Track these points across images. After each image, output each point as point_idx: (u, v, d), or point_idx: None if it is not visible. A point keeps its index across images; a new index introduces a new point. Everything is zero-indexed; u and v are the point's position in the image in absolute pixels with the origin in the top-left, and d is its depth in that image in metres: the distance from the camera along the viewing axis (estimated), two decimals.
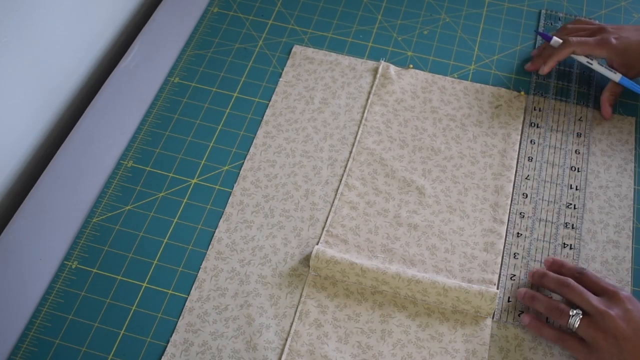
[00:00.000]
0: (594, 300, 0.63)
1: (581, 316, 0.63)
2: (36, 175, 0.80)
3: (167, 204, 0.77)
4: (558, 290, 0.67)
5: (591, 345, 0.62)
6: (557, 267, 0.70)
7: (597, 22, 0.89)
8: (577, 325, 0.63)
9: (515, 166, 0.79)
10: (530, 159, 0.80)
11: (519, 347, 0.66)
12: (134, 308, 0.70)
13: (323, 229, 0.75)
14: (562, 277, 0.67)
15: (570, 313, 0.64)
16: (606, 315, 0.62)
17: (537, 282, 0.70)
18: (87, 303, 0.70)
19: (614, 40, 0.82)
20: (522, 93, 0.85)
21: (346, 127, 0.83)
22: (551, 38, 0.85)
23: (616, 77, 0.82)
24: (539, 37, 0.91)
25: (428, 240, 0.74)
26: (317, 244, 0.73)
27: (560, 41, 0.84)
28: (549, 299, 0.67)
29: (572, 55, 0.84)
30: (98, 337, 0.68)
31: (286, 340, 0.67)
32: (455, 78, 0.88)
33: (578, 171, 0.79)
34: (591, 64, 0.84)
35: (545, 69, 0.85)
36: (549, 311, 0.66)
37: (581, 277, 0.67)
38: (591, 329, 0.62)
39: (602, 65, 0.84)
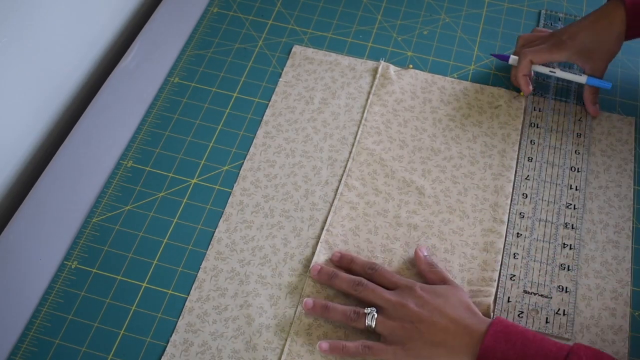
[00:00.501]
0: (387, 294, 0.65)
1: (376, 313, 0.64)
2: (36, 175, 0.81)
3: (167, 204, 0.77)
4: (351, 290, 0.67)
5: (393, 338, 0.63)
6: (347, 262, 0.70)
7: (548, 30, 0.87)
8: (374, 324, 0.64)
9: (515, 166, 0.79)
10: (530, 159, 0.80)
11: None
12: (133, 308, 0.70)
13: (323, 229, 0.75)
14: (354, 277, 0.68)
15: (366, 311, 0.65)
16: (399, 305, 0.64)
17: (326, 283, 0.69)
18: (87, 303, 0.70)
19: (567, 41, 0.79)
20: (522, 93, 0.85)
21: (346, 127, 0.83)
22: (508, 57, 0.85)
23: (582, 79, 0.81)
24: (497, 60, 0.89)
25: (428, 240, 0.74)
26: (317, 243, 0.73)
27: (517, 58, 0.83)
28: (341, 305, 0.67)
29: (533, 68, 0.83)
30: (98, 337, 0.68)
31: (286, 340, 0.67)
32: (455, 78, 0.88)
33: (578, 171, 0.79)
34: (554, 72, 0.83)
35: (525, 90, 0.83)
36: (345, 318, 0.66)
37: (373, 273, 0.68)
38: (389, 322, 0.63)
39: (566, 71, 0.82)
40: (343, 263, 0.70)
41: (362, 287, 0.66)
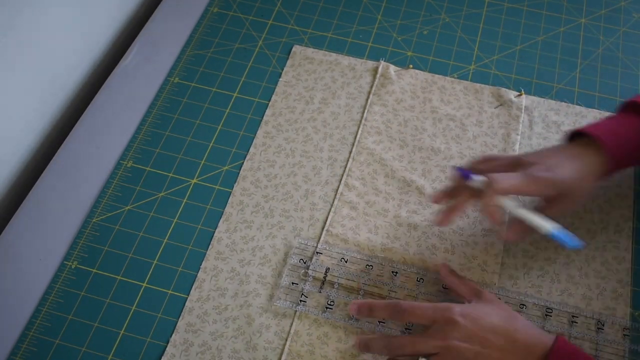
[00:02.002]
0: (430, 340, 0.61)
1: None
2: (36, 175, 0.81)
3: (167, 204, 0.77)
4: (394, 319, 0.66)
5: None
6: (366, 311, 0.66)
7: (508, 155, 0.75)
8: None
9: None
10: None
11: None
12: (133, 308, 0.70)
13: (323, 229, 0.75)
14: (388, 303, 0.65)
15: None
16: (446, 349, 0.61)
17: (370, 316, 0.67)
18: (86, 303, 0.70)
19: (544, 174, 0.64)
20: (522, 93, 0.85)
21: (346, 127, 0.83)
22: (469, 174, 0.67)
23: (548, 227, 0.65)
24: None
25: (428, 240, 0.74)
26: (317, 243, 0.73)
27: (481, 178, 0.66)
28: (383, 302, 0.65)
29: (498, 200, 0.66)
30: (98, 337, 0.68)
31: (286, 340, 0.67)
32: (455, 78, 0.88)
33: None
34: (518, 211, 0.66)
35: (495, 221, 0.66)
36: (389, 314, 0.65)
37: (402, 316, 0.64)
38: None
39: (534, 214, 0.66)
40: (363, 313, 0.67)
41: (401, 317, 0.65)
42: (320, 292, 0.70)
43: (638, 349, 0.66)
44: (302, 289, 0.70)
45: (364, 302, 0.67)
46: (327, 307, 0.69)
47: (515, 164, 0.67)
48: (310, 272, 0.71)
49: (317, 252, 0.72)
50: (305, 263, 0.72)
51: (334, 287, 0.70)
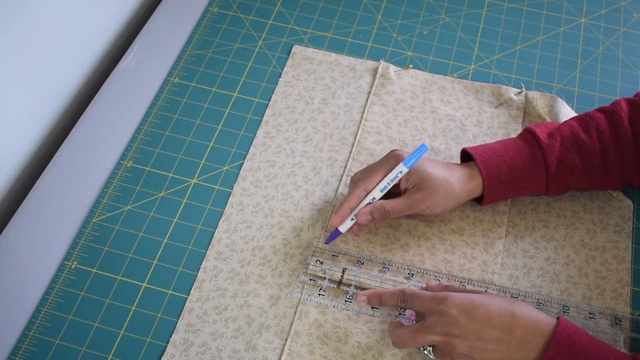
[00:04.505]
0: (429, 335, 0.62)
1: (430, 348, 0.63)
2: (36, 175, 0.81)
3: (167, 204, 0.77)
4: (400, 305, 0.66)
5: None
6: (376, 301, 0.67)
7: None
8: (432, 356, 0.64)
9: None
10: None
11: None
12: (133, 308, 0.70)
13: (323, 229, 0.75)
14: (395, 291, 0.66)
15: (425, 352, 0.64)
16: (444, 342, 0.61)
17: (379, 305, 0.68)
18: (87, 303, 0.70)
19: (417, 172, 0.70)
20: (523, 90, 0.85)
21: (346, 128, 0.83)
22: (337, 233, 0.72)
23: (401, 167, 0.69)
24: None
25: (428, 240, 0.74)
26: (317, 243, 0.73)
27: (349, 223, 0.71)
28: (390, 290, 0.66)
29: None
30: (98, 337, 0.68)
31: (286, 340, 0.67)
32: (455, 78, 0.88)
33: None
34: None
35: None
36: (395, 301, 0.66)
37: (406, 304, 0.65)
38: (446, 355, 0.63)
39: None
40: (373, 302, 0.68)
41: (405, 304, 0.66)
42: (338, 288, 0.70)
43: (638, 349, 0.66)
44: (302, 288, 0.70)
45: (373, 291, 0.68)
46: (346, 301, 0.69)
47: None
48: (328, 271, 0.71)
49: (333, 256, 0.72)
50: (322, 263, 0.71)
51: (350, 287, 0.70)
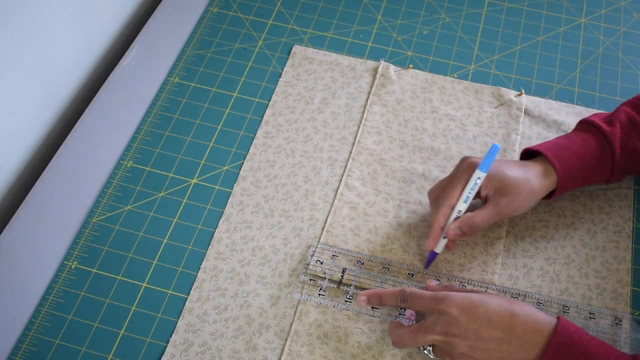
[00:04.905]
0: (429, 335, 0.62)
1: (430, 348, 0.63)
2: (36, 175, 0.81)
3: (167, 204, 0.77)
4: (401, 305, 0.66)
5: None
6: (376, 301, 0.67)
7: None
8: (432, 355, 0.64)
9: None
10: None
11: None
12: (133, 308, 0.70)
13: (323, 229, 0.75)
14: (395, 291, 0.66)
15: (425, 351, 0.64)
16: (444, 342, 0.61)
17: (379, 305, 0.68)
18: (87, 303, 0.70)
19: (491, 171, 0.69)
20: (522, 92, 0.85)
21: (346, 127, 0.83)
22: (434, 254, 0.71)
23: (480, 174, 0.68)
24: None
25: (428, 240, 0.73)
26: (317, 243, 0.73)
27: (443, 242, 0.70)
28: (389, 290, 0.66)
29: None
30: (98, 337, 0.68)
31: (286, 340, 0.67)
32: (455, 78, 0.88)
33: None
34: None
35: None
36: (395, 301, 0.66)
37: (406, 305, 0.65)
38: (445, 355, 0.63)
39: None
40: (373, 302, 0.67)
41: (406, 303, 0.66)
42: (338, 288, 0.70)
43: (638, 349, 0.66)
44: (303, 288, 0.70)
45: (373, 291, 0.67)
46: (346, 301, 0.69)
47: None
48: (328, 271, 0.71)
49: (333, 256, 0.72)
50: (322, 263, 0.71)
51: (350, 287, 0.70)
